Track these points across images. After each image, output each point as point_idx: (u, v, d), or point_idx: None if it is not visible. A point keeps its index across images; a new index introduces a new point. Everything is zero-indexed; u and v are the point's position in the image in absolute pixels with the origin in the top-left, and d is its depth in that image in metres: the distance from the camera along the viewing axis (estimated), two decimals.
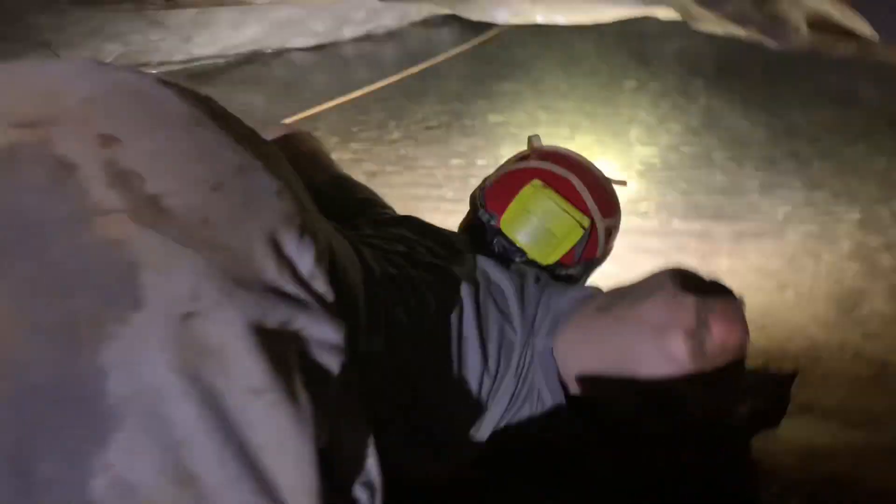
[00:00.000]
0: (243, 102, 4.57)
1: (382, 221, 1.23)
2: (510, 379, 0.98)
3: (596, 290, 1.12)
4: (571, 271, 1.28)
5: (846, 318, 2.10)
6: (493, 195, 1.31)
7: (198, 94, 0.81)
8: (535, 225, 1.23)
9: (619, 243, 1.40)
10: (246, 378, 0.57)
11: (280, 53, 5.81)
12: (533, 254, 1.25)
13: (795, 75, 3.45)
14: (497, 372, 0.97)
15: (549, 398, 0.99)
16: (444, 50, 6.04)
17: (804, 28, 1.91)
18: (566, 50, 4.83)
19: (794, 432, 1.17)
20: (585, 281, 1.33)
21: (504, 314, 1.02)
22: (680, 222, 2.60)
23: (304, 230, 0.69)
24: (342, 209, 1.22)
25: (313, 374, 0.65)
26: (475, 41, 6.47)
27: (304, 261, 0.68)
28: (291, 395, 0.59)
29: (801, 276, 2.28)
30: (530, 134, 1.36)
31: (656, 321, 0.89)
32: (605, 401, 0.98)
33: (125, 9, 3.41)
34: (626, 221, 1.39)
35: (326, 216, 0.92)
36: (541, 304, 1.06)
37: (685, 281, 0.92)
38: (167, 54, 4.96)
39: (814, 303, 2.21)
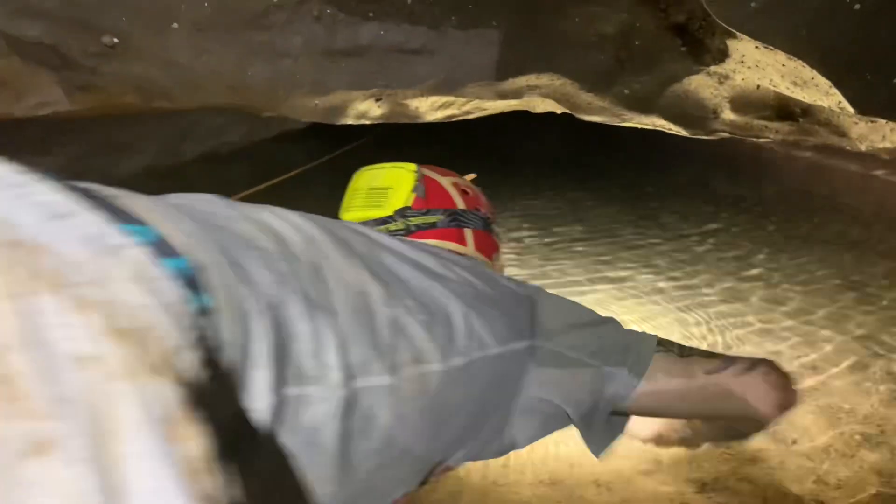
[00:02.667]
0: None
1: None
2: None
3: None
4: (431, 217, 1.19)
5: None
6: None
7: None
8: (364, 192, 1.21)
9: None
10: None
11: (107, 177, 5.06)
12: (374, 213, 1.17)
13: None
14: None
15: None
16: (299, 165, 5.55)
17: (727, 112, 1.53)
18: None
19: None
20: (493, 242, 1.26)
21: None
22: None
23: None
24: None
25: None
26: (334, 153, 6.05)
27: None
28: None
29: None
30: None
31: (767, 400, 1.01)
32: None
33: None
34: None
35: None
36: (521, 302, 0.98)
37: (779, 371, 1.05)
38: None
39: None
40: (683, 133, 1.68)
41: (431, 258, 0.96)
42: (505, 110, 2.48)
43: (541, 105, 2.16)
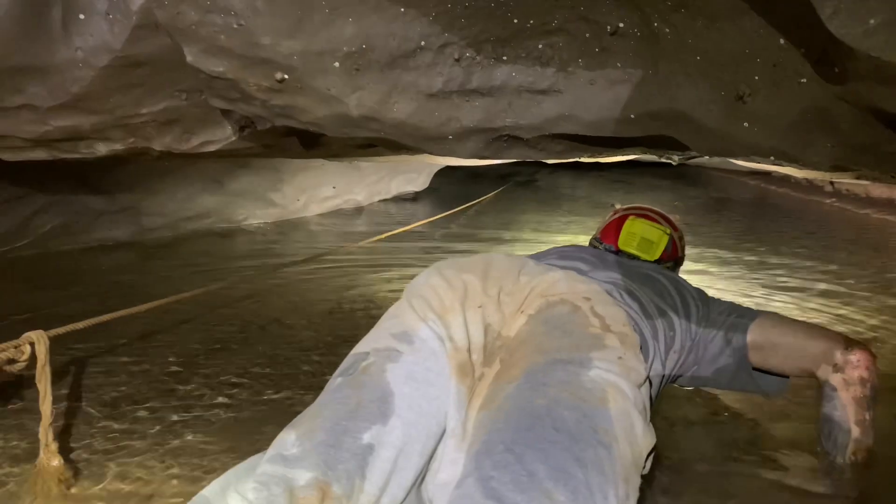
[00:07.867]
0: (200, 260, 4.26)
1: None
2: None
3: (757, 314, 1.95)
4: (669, 264, 2.14)
5: None
6: (605, 235, 2.20)
7: None
8: (640, 239, 2.12)
9: None
10: None
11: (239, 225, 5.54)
12: (644, 256, 2.10)
13: None
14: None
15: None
16: (413, 222, 5.82)
17: None
18: None
19: None
20: (678, 270, 2.23)
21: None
22: None
23: None
24: None
25: None
26: (442, 214, 6.30)
27: None
28: None
29: None
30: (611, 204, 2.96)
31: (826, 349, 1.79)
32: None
33: None
34: None
35: None
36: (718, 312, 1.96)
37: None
38: (112, 227, 4.62)
39: None
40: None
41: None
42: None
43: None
